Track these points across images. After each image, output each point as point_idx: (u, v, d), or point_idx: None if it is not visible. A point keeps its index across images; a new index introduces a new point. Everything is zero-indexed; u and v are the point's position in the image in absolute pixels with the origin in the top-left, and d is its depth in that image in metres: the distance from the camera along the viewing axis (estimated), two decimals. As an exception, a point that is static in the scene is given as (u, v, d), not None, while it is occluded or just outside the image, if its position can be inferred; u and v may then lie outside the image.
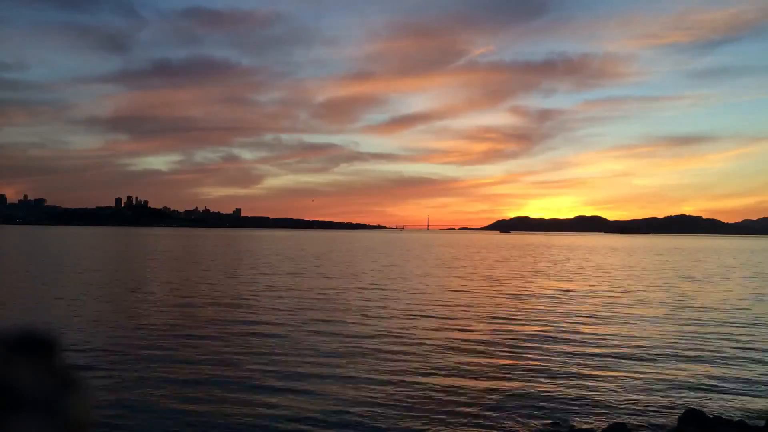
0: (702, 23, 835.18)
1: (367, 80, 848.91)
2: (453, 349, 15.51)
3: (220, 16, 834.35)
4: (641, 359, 14.72)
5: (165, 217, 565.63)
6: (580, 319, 20.96)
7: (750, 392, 12.01)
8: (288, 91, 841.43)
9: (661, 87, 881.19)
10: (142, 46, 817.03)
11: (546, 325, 19.39)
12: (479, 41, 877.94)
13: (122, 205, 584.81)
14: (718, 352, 15.78)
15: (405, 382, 12.19)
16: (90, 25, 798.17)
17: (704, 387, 12.31)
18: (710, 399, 11.51)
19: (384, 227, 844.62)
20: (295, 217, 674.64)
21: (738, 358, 15.10)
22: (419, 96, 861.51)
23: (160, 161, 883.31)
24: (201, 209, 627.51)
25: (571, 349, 15.69)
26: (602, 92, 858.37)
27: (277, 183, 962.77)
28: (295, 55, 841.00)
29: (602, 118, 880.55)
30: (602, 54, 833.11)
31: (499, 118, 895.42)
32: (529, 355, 14.92)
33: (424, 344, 15.95)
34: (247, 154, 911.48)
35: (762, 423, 9.55)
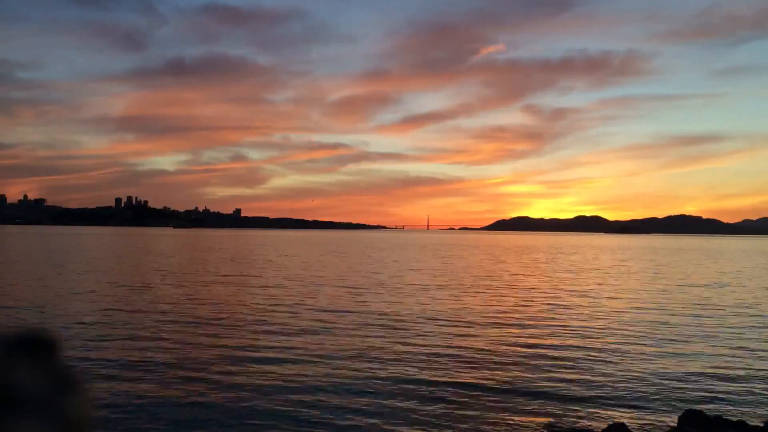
0: (728, 19, 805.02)
1: (382, 78, 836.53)
2: (452, 348, 15.52)
3: (238, 13, 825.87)
4: (641, 359, 14.71)
5: (164, 217, 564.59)
6: (580, 318, 20.94)
7: (750, 392, 12.00)
8: (302, 89, 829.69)
9: (682, 85, 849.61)
10: (160, 44, 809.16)
11: (546, 325, 19.40)
12: (498, 38, 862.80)
13: (122, 206, 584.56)
14: (718, 351, 15.78)
15: (405, 381, 12.20)
16: (108, 22, 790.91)
17: (704, 387, 12.31)
18: (710, 399, 11.50)
19: (384, 227, 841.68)
20: (295, 218, 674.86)
21: (738, 358, 15.10)
22: (434, 95, 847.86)
23: (167, 161, 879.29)
24: (202, 209, 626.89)
25: (571, 348, 15.69)
26: (620, 90, 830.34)
27: (281, 183, 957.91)
28: (311, 53, 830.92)
29: (617, 117, 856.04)
30: (624, 51, 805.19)
31: (511, 117, 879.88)
32: (530, 354, 14.91)
33: (424, 344, 15.96)
34: (254, 154, 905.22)
35: (762, 423, 9.55)
